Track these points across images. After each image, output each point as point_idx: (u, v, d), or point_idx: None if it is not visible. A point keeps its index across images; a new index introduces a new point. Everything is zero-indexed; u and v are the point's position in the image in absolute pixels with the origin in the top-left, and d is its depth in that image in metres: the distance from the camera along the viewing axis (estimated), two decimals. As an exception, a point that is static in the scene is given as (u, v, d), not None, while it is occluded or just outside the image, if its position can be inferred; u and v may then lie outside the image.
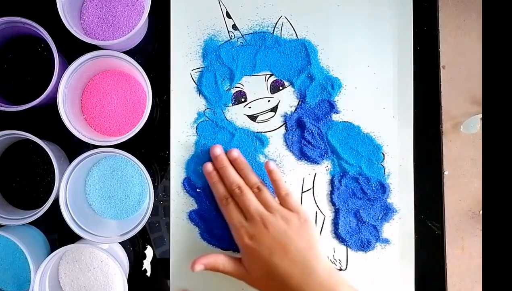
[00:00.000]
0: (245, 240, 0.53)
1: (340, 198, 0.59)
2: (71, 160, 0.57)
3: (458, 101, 0.61)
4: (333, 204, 0.59)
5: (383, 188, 0.59)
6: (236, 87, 0.60)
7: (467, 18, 0.61)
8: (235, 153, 0.58)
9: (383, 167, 0.59)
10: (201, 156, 0.59)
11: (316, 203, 0.59)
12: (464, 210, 0.61)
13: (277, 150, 0.60)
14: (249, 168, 0.58)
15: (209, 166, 0.58)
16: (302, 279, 0.51)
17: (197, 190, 0.59)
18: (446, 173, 0.60)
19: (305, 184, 0.60)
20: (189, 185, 0.59)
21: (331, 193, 0.59)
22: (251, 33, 0.60)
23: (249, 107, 0.60)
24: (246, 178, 0.57)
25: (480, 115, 0.60)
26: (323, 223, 0.59)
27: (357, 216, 0.59)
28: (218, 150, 0.58)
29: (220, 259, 0.55)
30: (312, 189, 0.60)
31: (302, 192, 0.59)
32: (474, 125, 0.60)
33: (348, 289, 0.51)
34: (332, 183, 0.60)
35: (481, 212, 0.61)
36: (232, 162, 0.58)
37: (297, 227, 0.53)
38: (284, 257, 0.52)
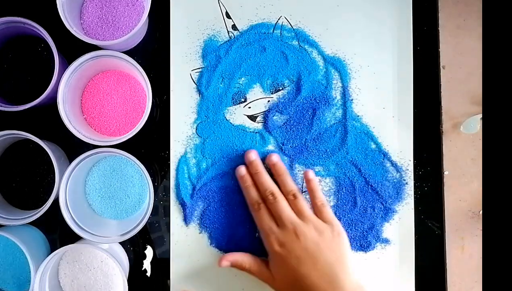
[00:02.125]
0: (275, 247, 0.53)
1: (339, 198, 0.59)
2: (71, 160, 0.57)
3: (458, 101, 0.61)
4: (333, 203, 0.59)
5: (383, 189, 0.59)
6: (236, 87, 0.60)
7: (467, 18, 0.61)
8: (275, 157, 0.57)
9: (384, 167, 0.59)
10: (201, 157, 0.59)
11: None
12: (464, 210, 0.61)
13: (277, 149, 0.60)
14: (288, 174, 0.57)
15: (242, 170, 0.57)
16: None
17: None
18: (446, 173, 0.60)
19: (305, 183, 0.60)
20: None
21: (331, 193, 0.59)
22: (250, 33, 0.60)
23: (249, 107, 0.60)
24: (283, 184, 0.56)
25: (480, 115, 0.60)
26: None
27: (357, 216, 0.59)
28: (253, 155, 0.58)
29: (248, 258, 0.55)
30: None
31: (302, 191, 0.59)
32: (474, 125, 0.60)
33: None
34: (331, 183, 0.59)
35: (481, 212, 0.61)
36: (271, 167, 0.58)
37: (329, 239, 0.53)
38: (312, 268, 0.51)
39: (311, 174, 0.57)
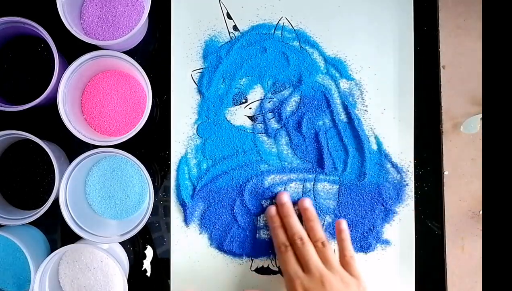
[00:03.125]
0: None
1: (340, 199, 0.59)
2: (71, 160, 0.57)
3: (458, 102, 0.61)
4: (334, 205, 0.59)
5: (383, 190, 0.59)
6: (236, 88, 0.60)
7: (467, 18, 0.61)
8: (307, 203, 0.57)
9: (384, 168, 0.59)
10: (202, 157, 0.60)
11: (316, 204, 0.59)
12: (464, 210, 0.61)
13: (278, 150, 0.60)
14: (318, 221, 0.57)
15: (272, 210, 0.57)
16: None
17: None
18: (446, 173, 0.60)
19: (306, 185, 0.60)
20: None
21: (331, 194, 0.59)
22: (251, 34, 0.60)
23: (250, 108, 0.60)
24: (312, 230, 0.56)
25: (480, 115, 0.60)
26: (323, 224, 0.59)
27: (357, 217, 0.59)
28: (285, 197, 0.57)
29: None
30: (312, 190, 0.59)
31: (302, 193, 0.59)
32: (474, 125, 0.60)
33: None
34: (332, 184, 0.60)
35: (481, 212, 0.61)
36: (302, 211, 0.57)
37: None
38: None
39: (344, 224, 0.56)
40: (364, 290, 0.53)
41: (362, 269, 0.55)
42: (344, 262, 0.54)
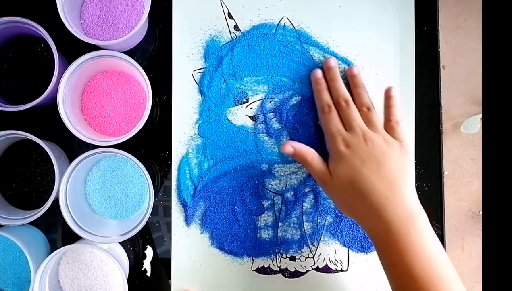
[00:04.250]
0: (340, 147, 0.53)
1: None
2: (71, 160, 0.57)
3: (458, 102, 0.61)
4: (334, 204, 0.59)
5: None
6: (237, 88, 0.60)
7: (467, 18, 0.61)
8: (356, 70, 0.57)
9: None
10: (203, 157, 0.60)
11: (317, 204, 0.59)
12: (464, 210, 0.61)
13: (279, 150, 0.60)
14: (365, 89, 0.57)
15: (318, 72, 0.57)
16: (386, 196, 0.50)
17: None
18: (446, 173, 0.60)
19: (307, 183, 0.60)
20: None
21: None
22: (253, 34, 0.60)
23: (251, 108, 0.60)
24: (359, 96, 0.56)
25: (480, 115, 0.60)
26: (324, 224, 0.59)
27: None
28: (332, 62, 0.57)
29: (311, 152, 0.54)
30: (313, 190, 0.60)
31: (304, 193, 0.59)
32: (474, 125, 0.60)
33: (424, 220, 0.50)
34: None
35: (480, 212, 0.61)
36: (350, 78, 0.57)
37: (397, 152, 0.52)
38: (375, 171, 0.51)
39: (394, 91, 0.56)
40: (406, 152, 0.53)
41: (406, 135, 0.54)
42: (389, 127, 0.55)
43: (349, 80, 0.58)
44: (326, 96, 0.56)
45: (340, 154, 0.52)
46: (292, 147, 0.54)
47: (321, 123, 0.57)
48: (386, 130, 0.54)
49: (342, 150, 0.52)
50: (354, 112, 0.54)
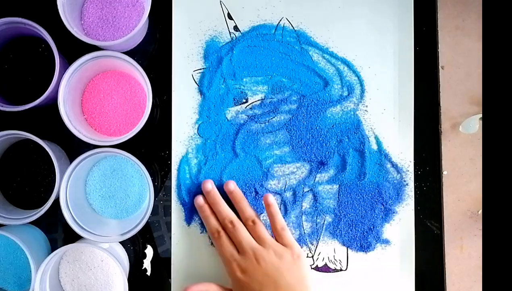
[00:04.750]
0: (237, 274, 0.54)
1: (340, 199, 0.59)
2: (71, 160, 0.57)
3: (457, 102, 0.61)
4: (334, 205, 0.59)
5: (383, 190, 0.59)
6: (237, 88, 0.60)
7: (466, 19, 0.61)
8: (232, 185, 0.58)
9: (384, 168, 0.59)
10: (202, 157, 0.60)
11: (317, 204, 0.60)
12: (463, 210, 0.61)
13: (279, 150, 0.60)
14: (245, 201, 0.58)
15: (200, 200, 0.58)
16: None
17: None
18: (445, 172, 0.61)
19: (306, 183, 0.60)
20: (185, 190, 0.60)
21: (332, 194, 0.60)
22: (252, 34, 0.60)
23: (250, 108, 0.60)
24: (241, 211, 0.57)
25: (479, 115, 0.60)
26: (323, 223, 0.60)
27: (357, 217, 0.59)
28: (209, 185, 0.58)
29: (213, 288, 0.55)
30: (312, 190, 0.60)
31: (303, 193, 0.60)
32: (473, 125, 0.60)
33: None
34: (332, 184, 0.60)
35: (480, 212, 0.61)
36: (228, 195, 0.58)
37: (290, 262, 0.54)
38: None
39: (270, 198, 0.57)
40: (298, 257, 0.54)
41: (293, 237, 0.56)
42: (277, 235, 0.56)
43: (229, 197, 0.58)
44: (213, 222, 0.57)
45: (239, 281, 0.54)
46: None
47: (215, 249, 0.58)
48: (276, 238, 0.56)
49: (240, 277, 0.54)
50: (242, 232, 0.55)
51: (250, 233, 0.56)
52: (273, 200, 0.57)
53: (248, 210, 0.57)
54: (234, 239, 0.56)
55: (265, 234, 0.56)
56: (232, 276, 0.55)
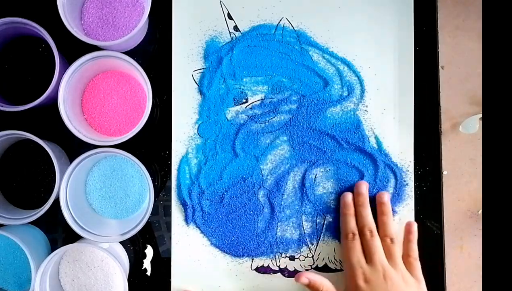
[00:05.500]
0: (359, 281, 0.53)
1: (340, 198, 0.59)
2: (71, 160, 0.57)
3: (457, 102, 0.61)
4: (334, 205, 0.60)
5: (383, 189, 0.59)
6: (237, 88, 0.60)
7: (466, 19, 0.62)
8: (386, 197, 0.58)
9: (384, 168, 0.60)
10: (203, 157, 0.60)
11: (317, 204, 0.60)
12: (463, 210, 0.61)
13: (279, 149, 0.60)
14: (391, 217, 0.57)
15: (349, 197, 0.58)
16: None
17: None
18: (445, 172, 0.61)
19: (306, 183, 0.60)
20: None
21: (332, 195, 0.60)
22: (252, 34, 0.60)
23: (250, 108, 0.60)
24: (384, 225, 0.56)
25: (479, 116, 0.60)
26: (323, 223, 0.60)
27: (356, 215, 0.59)
28: (364, 188, 0.58)
29: (326, 283, 0.54)
30: (312, 189, 0.60)
31: (303, 193, 0.60)
32: (473, 125, 0.60)
33: None
34: (332, 185, 0.60)
35: (479, 212, 0.61)
36: (379, 205, 0.58)
37: None
38: None
39: (414, 226, 0.57)
40: None
41: (421, 273, 0.55)
42: (408, 262, 0.55)
43: (377, 206, 0.58)
44: (352, 223, 0.57)
45: (358, 288, 0.53)
46: (306, 278, 0.54)
47: (342, 247, 0.57)
48: (405, 264, 0.55)
49: (361, 285, 0.53)
50: (377, 244, 0.55)
51: (383, 248, 0.55)
52: (415, 228, 0.56)
53: (391, 227, 0.56)
54: (367, 248, 0.55)
55: (399, 256, 0.55)
56: (353, 282, 0.54)
